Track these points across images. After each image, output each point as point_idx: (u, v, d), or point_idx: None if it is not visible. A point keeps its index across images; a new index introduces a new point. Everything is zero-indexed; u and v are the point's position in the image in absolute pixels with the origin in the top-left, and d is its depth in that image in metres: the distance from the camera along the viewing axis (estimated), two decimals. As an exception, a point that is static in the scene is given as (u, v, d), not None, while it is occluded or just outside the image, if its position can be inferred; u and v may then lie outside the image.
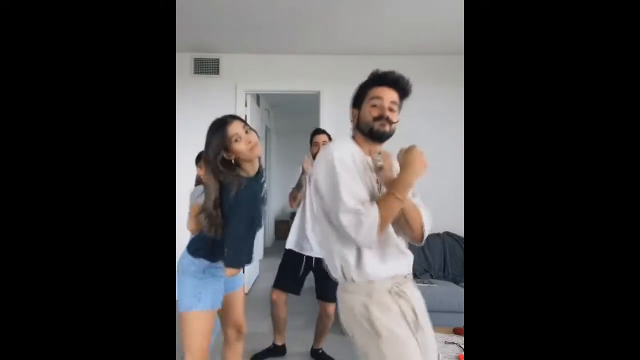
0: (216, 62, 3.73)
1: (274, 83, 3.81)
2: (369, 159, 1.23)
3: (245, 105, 3.80)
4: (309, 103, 4.10)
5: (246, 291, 3.72)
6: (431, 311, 1.26)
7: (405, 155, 1.16)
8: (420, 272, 3.21)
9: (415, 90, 1.29)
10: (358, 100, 1.25)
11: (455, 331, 2.21)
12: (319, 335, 2.55)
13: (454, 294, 2.77)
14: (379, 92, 1.21)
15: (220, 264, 1.49)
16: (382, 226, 1.09)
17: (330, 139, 2.54)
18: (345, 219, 1.10)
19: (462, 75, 0.88)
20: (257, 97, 4.53)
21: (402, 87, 1.23)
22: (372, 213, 1.08)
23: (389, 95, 1.21)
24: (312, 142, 2.54)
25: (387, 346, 1.11)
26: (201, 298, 1.51)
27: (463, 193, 0.97)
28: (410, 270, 1.25)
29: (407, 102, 1.27)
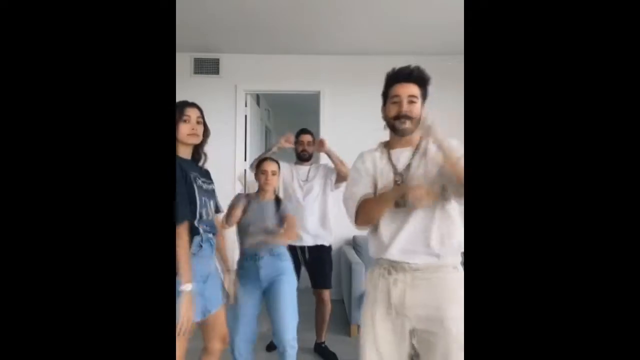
0: (216, 62, 3.73)
1: (274, 83, 3.81)
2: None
3: (245, 105, 3.79)
4: (309, 103, 4.09)
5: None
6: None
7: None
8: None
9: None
10: (384, 99, 1.37)
11: (455, 331, 2.20)
12: (319, 327, 2.56)
13: (454, 293, 2.76)
14: (396, 89, 1.31)
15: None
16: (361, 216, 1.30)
17: (314, 139, 2.59)
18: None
19: (462, 75, 0.88)
20: (257, 97, 4.53)
21: (417, 78, 1.32)
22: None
23: (406, 90, 1.30)
24: (297, 141, 2.58)
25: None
26: None
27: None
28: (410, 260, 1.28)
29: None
